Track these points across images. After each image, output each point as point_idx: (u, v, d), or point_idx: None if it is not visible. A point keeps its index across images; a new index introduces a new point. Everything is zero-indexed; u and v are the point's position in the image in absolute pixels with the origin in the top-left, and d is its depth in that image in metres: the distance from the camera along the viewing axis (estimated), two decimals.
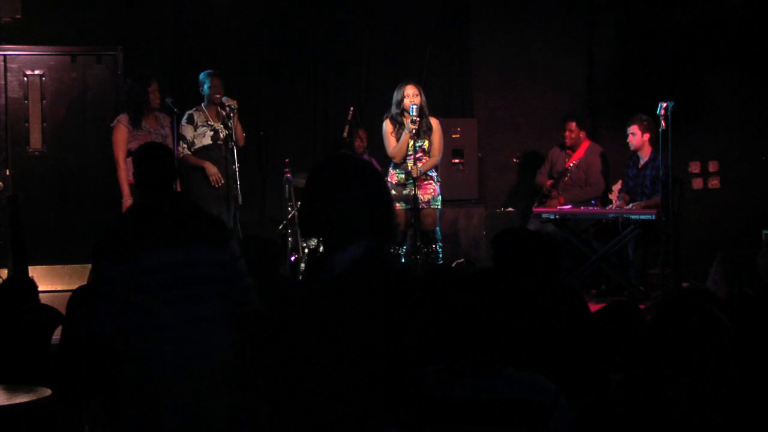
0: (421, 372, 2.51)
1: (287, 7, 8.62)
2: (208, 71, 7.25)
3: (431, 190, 7.05)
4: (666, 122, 7.05)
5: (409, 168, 6.94)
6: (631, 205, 7.49)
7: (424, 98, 7.00)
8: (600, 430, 1.96)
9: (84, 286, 4.76)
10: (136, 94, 6.96)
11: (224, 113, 7.18)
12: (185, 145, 7.12)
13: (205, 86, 7.18)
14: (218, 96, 7.13)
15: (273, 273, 4.34)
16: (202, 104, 7.21)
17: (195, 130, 7.14)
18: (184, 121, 7.15)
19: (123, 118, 6.93)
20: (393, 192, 6.89)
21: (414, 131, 6.85)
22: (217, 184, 7.08)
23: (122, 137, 6.89)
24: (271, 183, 8.45)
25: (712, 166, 8.84)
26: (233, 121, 7.12)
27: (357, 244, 2.36)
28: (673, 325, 2.06)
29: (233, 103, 7.12)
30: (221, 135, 7.18)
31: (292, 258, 7.45)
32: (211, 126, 7.16)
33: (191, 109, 7.22)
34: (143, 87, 6.95)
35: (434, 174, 7.11)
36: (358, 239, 2.37)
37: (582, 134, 8.09)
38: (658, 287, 7.26)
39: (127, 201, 6.84)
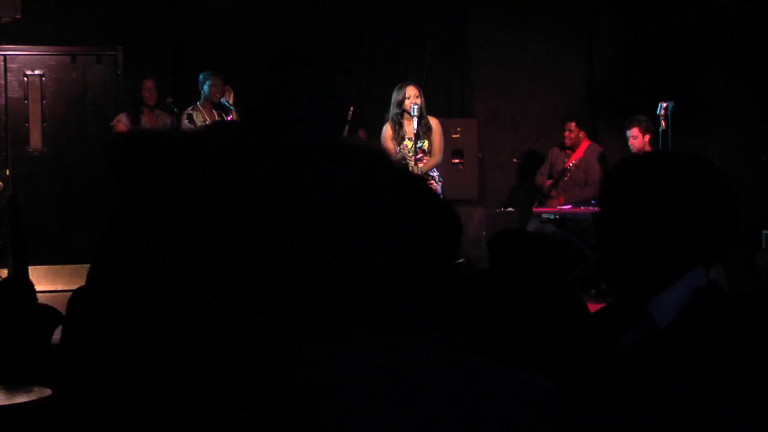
0: None
1: (287, 8, 8.62)
2: (208, 71, 7.27)
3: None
4: (666, 122, 7.05)
5: (410, 168, 6.94)
6: None
7: (423, 99, 7.00)
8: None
9: (84, 286, 4.75)
10: (131, 92, 7.01)
11: (220, 113, 7.20)
12: None
13: (206, 86, 7.19)
14: (219, 95, 7.14)
15: None
16: (198, 103, 7.23)
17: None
18: (184, 120, 7.16)
19: (122, 117, 6.95)
20: None
21: (413, 137, 6.86)
22: None
23: None
24: None
25: None
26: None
27: (683, 280, 1.68)
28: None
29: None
30: None
31: None
32: None
33: (188, 108, 7.24)
34: (137, 85, 7.00)
35: (435, 174, 7.10)
36: (681, 273, 1.68)
37: (582, 134, 8.09)
38: None
39: None
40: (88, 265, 5.49)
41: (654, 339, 1.65)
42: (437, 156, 7.08)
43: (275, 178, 1.46)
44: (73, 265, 7.89)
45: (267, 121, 1.69)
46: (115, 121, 6.98)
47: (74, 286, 4.87)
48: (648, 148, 7.60)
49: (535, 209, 7.88)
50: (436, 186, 7.07)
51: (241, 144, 1.53)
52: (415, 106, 6.85)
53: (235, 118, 7.16)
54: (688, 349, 1.58)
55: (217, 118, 7.24)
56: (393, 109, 7.02)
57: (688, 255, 1.67)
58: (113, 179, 1.55)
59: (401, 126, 6.98)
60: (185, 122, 7.16)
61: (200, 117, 7.20)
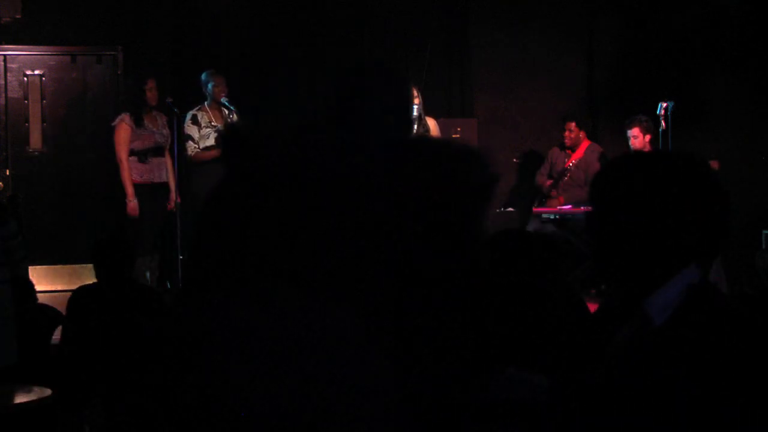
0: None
1: (287, 7, 8.62)
2: (210, 70, 7.24)
3: None
4: (666, 122, 7.05)
5: None
6: None
7: (421, 100, 7.00)
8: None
9: (84, 286, 4.76)
10: (133, 92, 7.00)
11: (226, 113, 7.18)
12: (195, 145, 7.07)
13: (209, 86, 7.15)
14: (222, 94, 7.12)
15: None
16: (205, 104, 7.19)
17: (200, 131, 7.12)
18: (188, 121, 7.12)
19: (125, 117, 6.94)
20: None
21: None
22: None
23: (125, 136, 6.90)
24: None
25: (712, 166, 8.82)
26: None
27: (677, 278, 1.68)
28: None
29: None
30: None
31: None
32: (215, 127, 7.14)
33: (193, 109, 7.19)
34: (139, 85, 6.98)
35: None
36: (676, 269, 1.68)
37: (582, 134, 8.09)
38: None
39: (132, 201, 6.84)
40: (88, 265, 5.50)
41: (649, 337, 1.64)
42: None
43: (364, 174, 1.63)
44: (73, 265, 7.90)
45: (347, 122, 1.92)
46: (118, 120, 6.96)
47: (74, 286, 4.90)
48: (648, 148, 7.59)
49: (535, 209, 7.88)
50: None
51: (332, 143, 1.69)
52: (415, 107, 6.85)
53: (236, 118, 7.15)
54: (684, 347, 1.57)
55: (221, 118, 7.21)
56: None
57: (682, 253, 1.66)
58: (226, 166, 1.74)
59: None
60: (189, 123, 7.13)
61: (206, 117, 7.15)
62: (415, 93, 6.97)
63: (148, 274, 6.95)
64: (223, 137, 1.74)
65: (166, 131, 7.11)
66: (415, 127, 6.85)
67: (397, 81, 2.09)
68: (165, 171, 7.10)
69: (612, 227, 1.71)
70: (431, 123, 7.11)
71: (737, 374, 1.54)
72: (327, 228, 1.59)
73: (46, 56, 8.33)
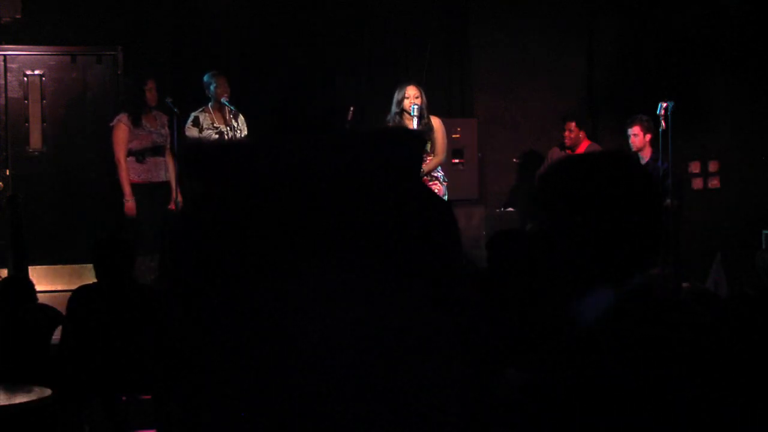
0: None
1: (287, 7, 8.62)
2: (212, 71, 7.23)
3: (436, 191, 7.02)
4: (666, 122, 7.05)
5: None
6: None
7: (424, 99, 6.99)
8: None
9: (84, 286, 4.77)
10: (132, 92, 6.99)
11: (229, 114, 7.18)
12: None
13: (212, 87, 7.15)
14: (225, 95, 7.12)
15: None
16: (209, 105, 7.19)
17: (200, 133, 7.11)
18: (189, 123, 7.12)
19: (123, 118, 6.94)
20: None
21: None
22: None
23: (123, 136, 6.90)
24: None
25: (712, 166, 8.84)
26: (241, 121, 7.15)
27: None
28: None
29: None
30: (226, 137, 7.16)
31: None
32: (217, 128, 7.13)
33: (196, 110, 7.19)
34: (139, 85, 6.99)
35: (440, 174, 7.08)
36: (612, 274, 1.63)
37: (581, 134, 8.09)
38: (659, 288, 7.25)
39: (129, 201, 6.84)
40: (88, 265, 5.50)
41: (575, 340, 1.62)
42: (440, 155, 7.05)
43: (332, 168, 1.73)
44: (73, 265, 7.89)
45: (301, 123, 2.02)
46: (116, 121, 6.97)
47: (74, 286, 4.90)
48: (648, 148, 7.61)
49: None
50: (440, 187, 7.04)
51: (295, 145, 1.83)
52: (415, 106, 6.84)
53: (241, 118, 7.17)
54: (607, 350, 1.54)
55: (224, 119, 7.19)
56: (393, 108, 7.01)
57: (624, 264, 1.60)
58: (189, 180, 1.84)
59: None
60: (190, 125, 7.13)
61: (208, 119, 7.14)
62: (417, 93, 6.96)
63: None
64: (185, 158, 1.84)
65: (164, 131, 7.10)
66: (417, 124, 6.84)
67: (329, 80, 2.18)
68: (164, 170, 7.10)
69: (552, 236, 1.66)
70: (436, 122, 7.09)
71: (654, 380, 1.51)
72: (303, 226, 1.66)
73: (46, 56, 8.32)
